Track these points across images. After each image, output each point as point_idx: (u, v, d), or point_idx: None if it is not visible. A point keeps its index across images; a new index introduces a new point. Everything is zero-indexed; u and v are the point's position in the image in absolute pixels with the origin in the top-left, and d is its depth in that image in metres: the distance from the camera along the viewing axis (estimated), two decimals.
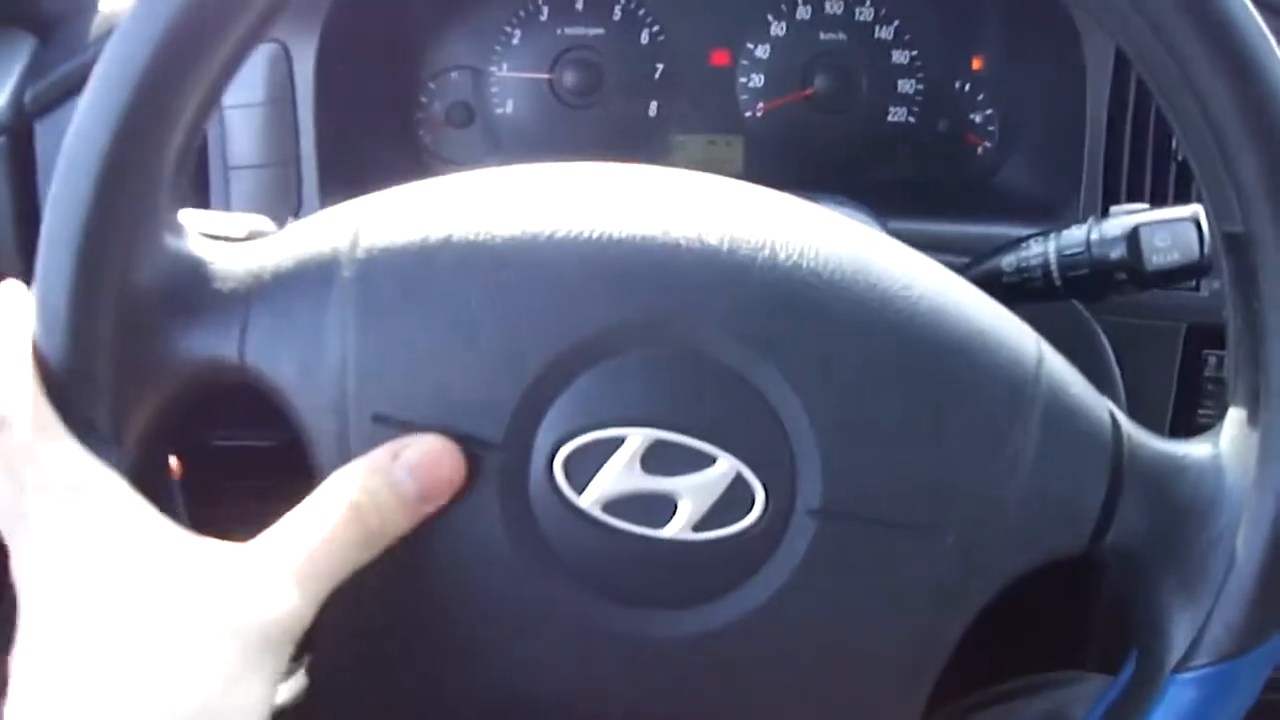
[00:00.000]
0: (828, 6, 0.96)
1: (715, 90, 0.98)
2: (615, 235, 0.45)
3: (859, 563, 0.46)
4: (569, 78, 0.96)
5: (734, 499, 0.45)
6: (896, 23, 0.96)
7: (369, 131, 0.91)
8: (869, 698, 0.49)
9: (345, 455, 0.44)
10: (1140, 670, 0.50)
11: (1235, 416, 0.48)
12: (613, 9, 0.96)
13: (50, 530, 0.41)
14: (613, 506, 0.45)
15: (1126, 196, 0.83)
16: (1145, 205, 0.65)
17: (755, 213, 0.47)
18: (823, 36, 0.96)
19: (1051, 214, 0.84)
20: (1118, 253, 0.63)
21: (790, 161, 0.97)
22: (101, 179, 0.42)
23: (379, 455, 0.44)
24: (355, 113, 0.87)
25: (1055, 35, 0.85)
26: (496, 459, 0.45)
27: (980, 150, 0.97)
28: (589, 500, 0.44)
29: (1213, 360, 0.83)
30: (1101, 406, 0.48)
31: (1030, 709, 0.64)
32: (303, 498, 0.44)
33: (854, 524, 0.45)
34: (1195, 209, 0.62)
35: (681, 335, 0.44)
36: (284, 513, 0.43)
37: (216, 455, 0.77)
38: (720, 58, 0.97)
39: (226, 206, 0.81)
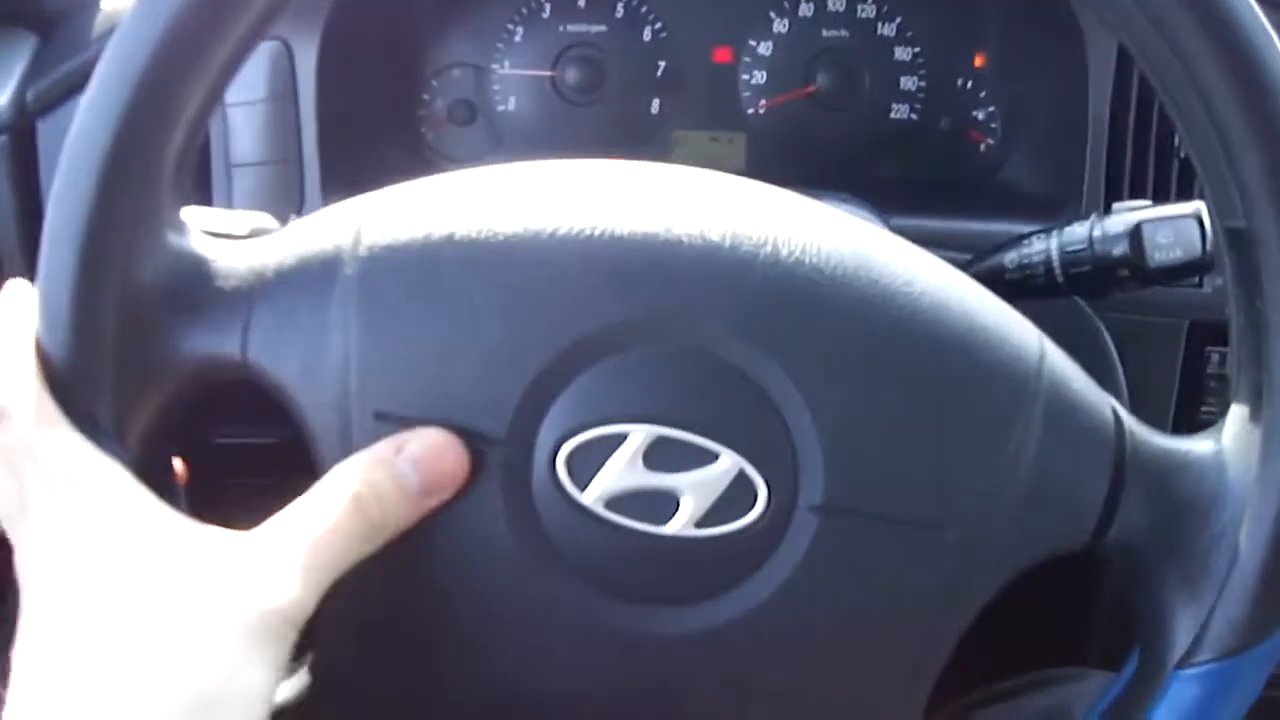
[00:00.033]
0: (830, 3, 0.96)
1: (717, 87, 0.98)
2: (617, 232, 0.45)
3: (861, 559, 0.46)
4: (571, 75, 0.96)
5: (736, 495, 0.45)
6: (899, 20, 0.96)
7: (371, 129, 0.91)
8: (871, 694, 0.49)
9: (348, 452, 0.44)
10: (1143, 666, 0.50)
11: (1238, 413, 0.48)
12: (615, 6, 0.96)
13: (51, 520, 0.41)
14: (615, 503, 0.45)
15: (1129, 193, 0.82)
16: (1148, 202, 0.65)
17: (757, 209, 0.47)
18: (825, 34, 0.96)
19: (1054, 211, 0.83)
20: (1120, 249, 0.62)
21: (792, 159, 0.97)
22: (104, 177, 0.42)
23: (382, 448, 0.44)
24: (357, 110, 0.87)
25: (1058, 32, 0.85)
26: (500, 455, 0.45)
27: (983, 147, 0.97)
28: (592, 497, 0.44)
29: (1215, 357, 0.83)
30: (1104, 402, 0.48)
31: (1033, 706, 0.64)
32: None
33: (856, 520, 0.45)
34: (1198, 206, 0.62)
35: (684, 332, 0.44)
36: None
37: (219, 453, 0.77)
38: (723, 55, 0.97)
39: (229, 204, 0.81)
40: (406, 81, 0.97)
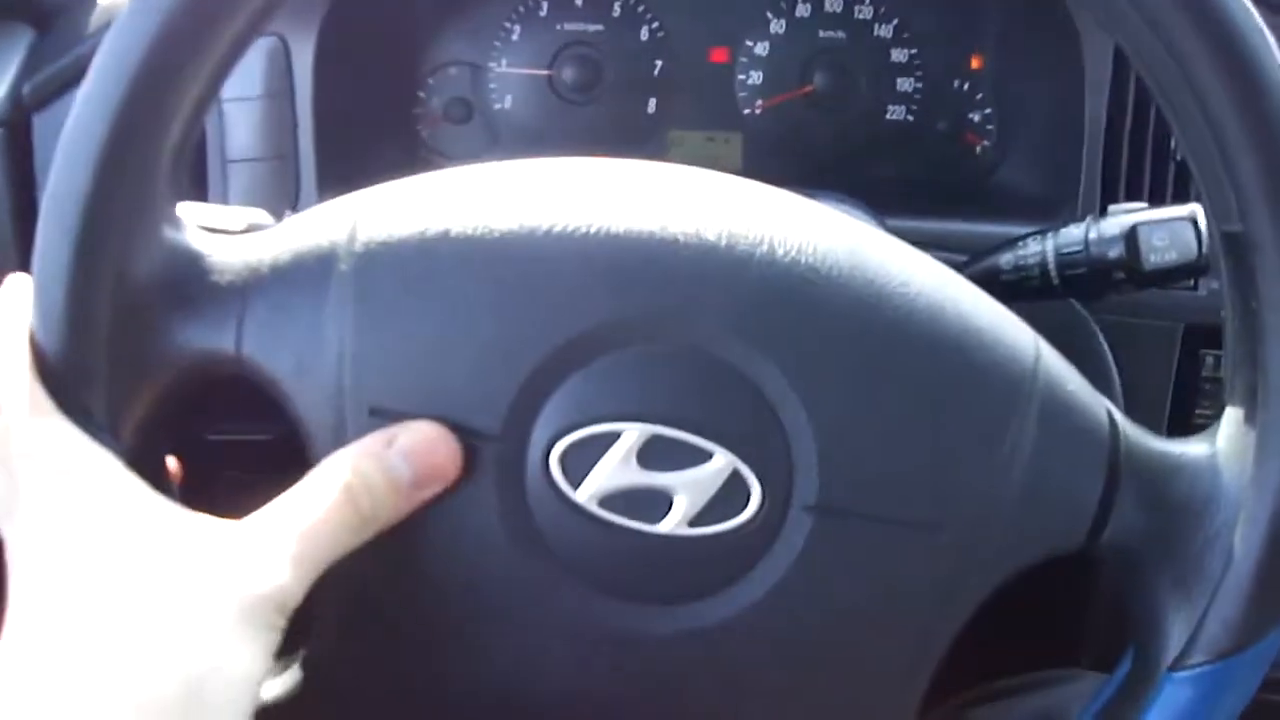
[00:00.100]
0: (827, 4, 0.96)
1: (714, 87, 0.98)
2: (613, 230, 0.45)
3: (855, 559, 0.46)
4: (568, 74, 0.96)
5: (730, 495, 0.45)
6: (896, 21, 0.96)
7: (367, 126, 0.91)
8: (865, 694, 0.49)
9: (342, 448, 0.44)
10: (1136, 668, 0.50)
11: (1232, 415, 0.48)
12: (612, 6, 0.96)
13: (43, 510, 0.41)
14: (609, 501, 0.45)
15: (1125, 196, 0.83)
16: (1143, 204, 0.65)
17: (753, 208, 0.47)
18: (822, 34, 0.96)
19: (1050, 213, 0.83)
20: (1116, 252, 0.63)
21: (789, 159, 0.97)
22: (99, 172, 0.42)
23: (373, 440, 0.44)
24: (354, 107, 0.87)
25: (1054, 34, 0.85)
26: (493, 450, 0.45)
27: (979, 149, 0.97)
28: (585, 494, 0.44)
29: (1210, 360, 0.83)
30: (1099, 404, 0.48)
31: (1026, 706, 0.64)
32: None
33: (850, 520, 0.45)
34: (1193, 209, 0.62)
35: (679, 330, 0.44)
36: None
37: (213, 448, 0.77)
38: (719, 55, 0.97)
39: (224, 200, 0.81)
40: (403, 79, 0.97)
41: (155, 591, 0.40)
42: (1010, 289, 0.65)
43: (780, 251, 0.45)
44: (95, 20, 0.83)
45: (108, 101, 0.42)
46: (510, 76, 0.97)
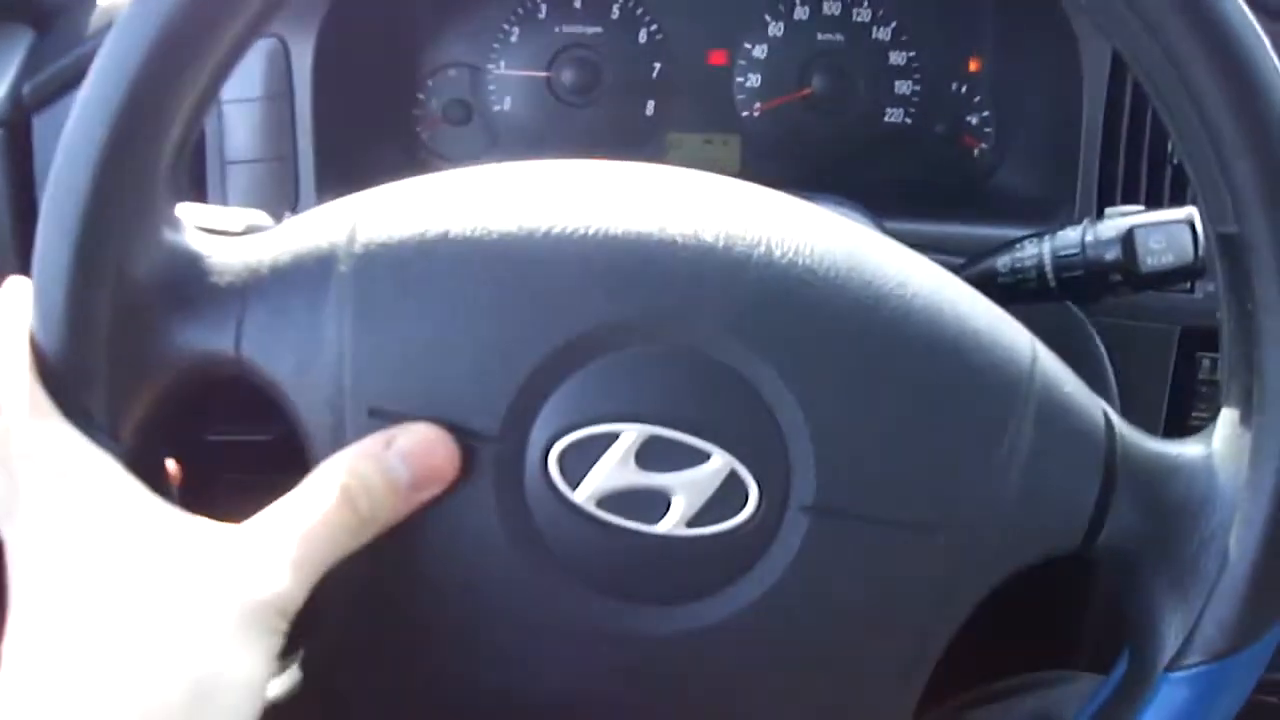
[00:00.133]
0: (825, 7, 0.96)
1: (712, 90, 0.98)
2: (611, 232, 0.45)
3: (852, 559, 0.46)
4: (567, 76, 0.96)
5: (728, 495, 0.45)
6: (894, 24, 0.96)
7: (366, 128, 0.91)
8: (861, 695, 0.49)
9: (341, 449, 0.45)
10: (1132, 669, 0.50)
11: (1228, 417, 0.48)
12: (611, 8, 0.96)
13: (43, 512, 0.41)
14: (607, 502, 0.45)
15: (1122, 199, 0.83)
16: (1140, 207, 0.65)
17: (751, 210, 0.47)
18: (820, 37, 0.96)
19: (1047, 215, 0.84)
20: (1112, 254, 0.63)
21: (787, 161, 0.97)
22: (99, 173, 0.42)
23: (371, 442, 0.44)
24: (353, 109, 0.87)
25: (1052, 37, 0.85)
26: (492, 451, 0.45)
27: (977, 152, 0.97)
28: (583, 495, 0.45)
29: (1206, 363, 0.83)
30: (1095, 406, 0.48)
31: (1022, 708, 0.64)
32: None
33: (847, 521, 0.45)
34: (1190, 211, 0.63)
35: (677, 331, 0.45)
36: None
37: (212, 450, 0.77)
38: (718, 57, 0.97)
39: (223, 201, 0.81)
40: (402, 81, 0.97)
41: (157, 597, 0.40)
42: (1007, 291, 0.65)
43: (778, 253, 0.45)
44: (95, 21, 0.83)
45: (108, 104, 0.42)
46: (509, 78, 0.97)
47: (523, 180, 0.47)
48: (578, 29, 0.97)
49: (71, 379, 0.43)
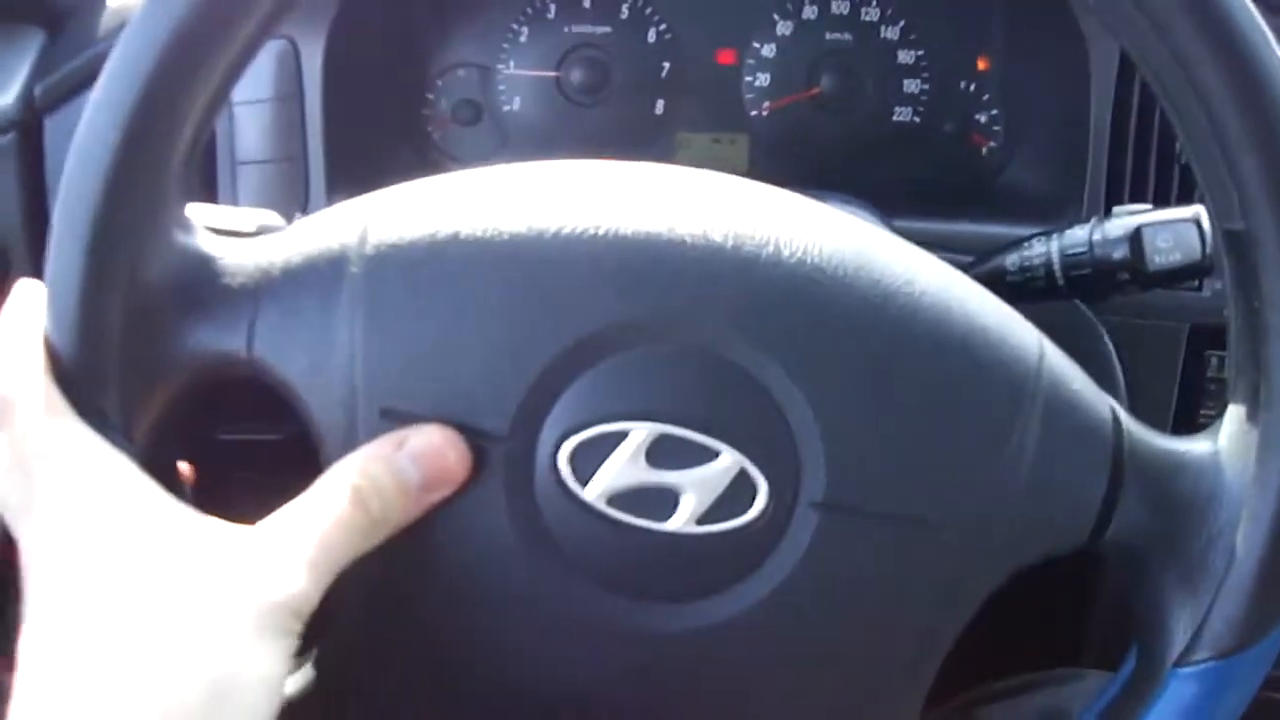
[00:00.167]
0: (834, 6, 0.96)
1: (721, 89, 0.98)
2: (621, 231, 0.45)
3: (861, 556, 0.46)
4: (576, 76, 0.97)
5: (737, 493, 0.45)
6: (902, 23, 0.96)
7: (376, 128, 0.91)
8: (869, 692, 0.49)
9: (353, 449, 0.45)
10: (1140, 666, 0.50)
11: (1235, 413, 0.48)
12: (620, 7, 0.96)
13: (58, 513, 0.41)
14: (617, 500, 0.45)
15: (1130, 197, 0.83)
16: (1148, 206, 0.65)
17: (759, 209, 0.47)
18: (829, 36, 0.96)
19: (1055, 214, 0.84)
20: (1120, 253, 0.63)
21: (795, 160, 0.97)
22: (111, 174, 0.42)
23: (382, 443, 0.44)
24: (363, 109, 0.88)
25: (1060, 36, 0.85)
26: (502, 451, 0.45)
27: (985, 150, 0.97)
28: (593, 493, 0.45)
29: (1215, 361, 0.83)
30: (1103, 403, 0.48)
31: (1030, 705, 0.64)
32: None
33: (856, 518, 0.45)
34: (1197, 210, 0.63)
35: (686, 330, 0.45)
36: None
37: (224, 449, 0.77)
38: (726, 57, 0.97)
39: (234, 201, 0.82)
40: (412, 81, 0.97)
41: (173, 596, 0.40)
42: (1015, 290, 0.65)
43: (786, 252, 0.45)
44: (106, 23, 0.83)
45: (120, 106, 0.42)
46: (518, 78, 0.98)
47: (533, 181, 0.47)
48: (587, 29, 0.97)
49: (85, 380, 0.43)
